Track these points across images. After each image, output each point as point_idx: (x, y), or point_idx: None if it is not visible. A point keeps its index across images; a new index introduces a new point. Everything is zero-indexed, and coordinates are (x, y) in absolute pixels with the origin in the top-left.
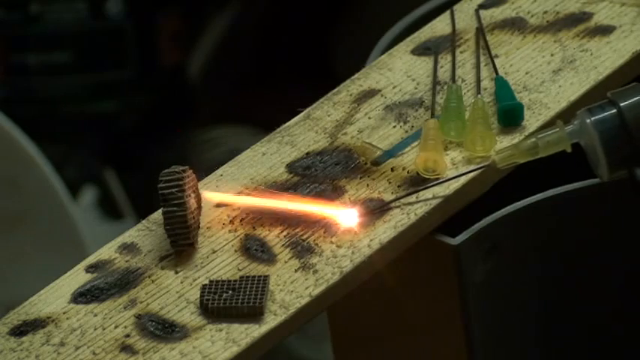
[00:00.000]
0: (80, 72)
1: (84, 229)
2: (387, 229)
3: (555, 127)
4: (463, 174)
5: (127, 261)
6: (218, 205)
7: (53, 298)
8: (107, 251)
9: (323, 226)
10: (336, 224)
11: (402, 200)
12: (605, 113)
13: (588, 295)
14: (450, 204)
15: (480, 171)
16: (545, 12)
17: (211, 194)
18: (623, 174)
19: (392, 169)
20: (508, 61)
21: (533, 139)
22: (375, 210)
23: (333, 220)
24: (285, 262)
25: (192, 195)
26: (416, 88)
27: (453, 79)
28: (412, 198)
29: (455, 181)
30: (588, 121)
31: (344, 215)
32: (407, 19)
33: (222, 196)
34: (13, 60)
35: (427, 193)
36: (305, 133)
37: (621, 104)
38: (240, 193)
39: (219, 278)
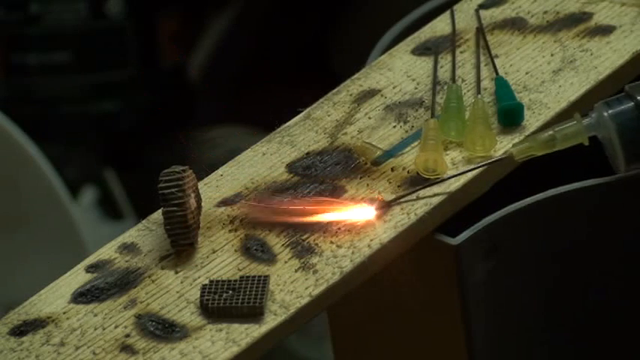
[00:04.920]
0: (80, 72)
1: (84, 229)
2: (387, 229)
3: (573, 119)
4: (479, 167)
5: (127, 261)
6: (218, 205)
7: (53, 298)
8: (107, 251)
9: (323, 226)
10: (336, 224)
11: (402, 200)
12: (623, 106)
13: (588, 295)
14: (450, 204)
15: (479, 171)
16: (545, 12)
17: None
18: (639, 167)
19: (392, 169)
20: (508, 61)
21: (551, 132)
22: (392, 202)
23: (340, 219)
24: (285, 262)
25: (192, 195)
26: (416, 88)
27: (453, 79)
28: (412, 197)
29: (455, 181)
30: (605, 114)
31: (361, 211)
32: (407, 19)
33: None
34: (13, 60)
35: (427, 193)
36: (305, 133)
37: (638, 97)
38: (240, 193)
39: (219, 278)
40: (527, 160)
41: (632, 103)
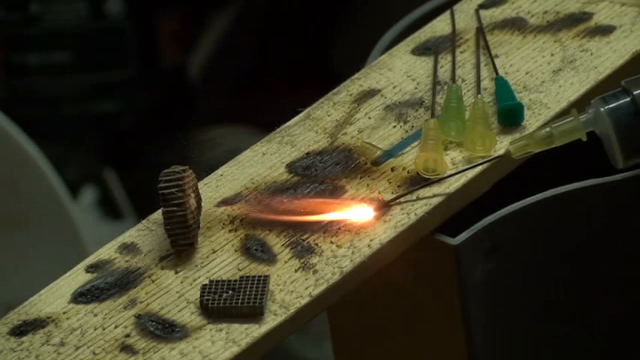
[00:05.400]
0: (80, 72)
1: (84, 229)
2: (387, 229)
3: (570, 115)
4: (477, 165)
5: (127, 261)
6: (218, 205)
7: (53, 298)
8: (107, 251)
9: (323, 226)
10: (336, 224)
11: (402, 200)
12: (619, 101)
13: (588, 295)
14: (450, 204)
15: (479, 171)
16: (545, 12)
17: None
18: (637, 161)
19: (392, 169)
20: (508, 61)
21: (548, 129)
22: (390, 202)
23: (342, 218)
24: (285, 262)
25: (192, 195)
26: (416, 88)
27: (453, 79)
28: (412, 197)
29: (455, 181)
30: (602, 109)
31: (361, 211)
32: (407, 19)
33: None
34: (13, 60)
35: (427, 193)
36: (305, 133)
37: (635, 92)
38: (240, 193)
39: (219, 278)
40: (527, 159)
41: (629, 99)
